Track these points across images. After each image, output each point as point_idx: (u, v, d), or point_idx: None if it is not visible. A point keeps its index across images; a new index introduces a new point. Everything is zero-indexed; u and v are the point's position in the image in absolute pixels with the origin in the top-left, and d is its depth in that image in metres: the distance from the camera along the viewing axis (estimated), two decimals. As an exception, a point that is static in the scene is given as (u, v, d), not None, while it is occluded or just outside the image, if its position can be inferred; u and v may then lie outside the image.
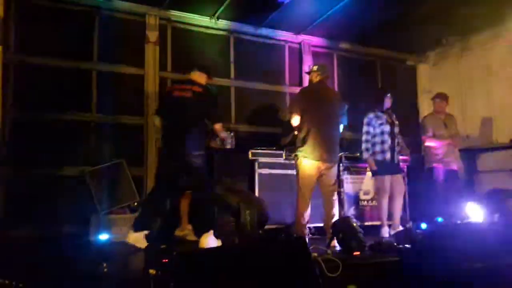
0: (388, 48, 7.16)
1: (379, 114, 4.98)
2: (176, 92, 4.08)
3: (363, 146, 4.98)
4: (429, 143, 5.28)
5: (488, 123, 6.25)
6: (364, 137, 4.98)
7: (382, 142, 4.89)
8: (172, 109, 4.04)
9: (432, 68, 7.35)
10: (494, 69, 6.23)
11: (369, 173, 5.27)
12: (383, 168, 4.86)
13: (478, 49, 6.42)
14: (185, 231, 4.44)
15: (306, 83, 6.52)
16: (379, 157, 4.88)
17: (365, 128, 5.00)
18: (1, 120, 3.65)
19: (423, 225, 4.30)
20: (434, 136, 5.30)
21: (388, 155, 4.86)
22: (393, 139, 4.91)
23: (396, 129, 4.96)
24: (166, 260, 3.01)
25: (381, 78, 7.32)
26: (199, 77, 4.24)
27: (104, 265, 2.73)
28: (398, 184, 4.93)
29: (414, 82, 7.55)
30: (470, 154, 5.91)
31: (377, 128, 4.92)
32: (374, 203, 5.54)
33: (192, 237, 4.35)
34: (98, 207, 4.51)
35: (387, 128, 4.90)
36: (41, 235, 4.34)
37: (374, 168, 4.90)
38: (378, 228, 5.03)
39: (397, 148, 4.95)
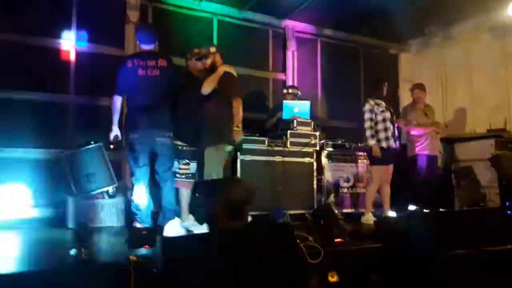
0: (371, 36, 7.17)
1: (378, 101, 4.98)
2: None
3: (368, 132, 4.88)
4: (414, 131, 5.32)
5: (467, 113, 6.36)
6: (368, 124, 4.89)
7: (385, 129, 4.87)
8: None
9: (414, 57, 7.40)
10: (474, 59, 6.31)
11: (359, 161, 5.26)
12: (385, 157, 4.85)
13: (460, 39, 6.48)
14: (187, 221, 4.16)
15: (289, 69, 6.52)
16: (383, 144, 4.85)
17: (367, 115, 4.91)
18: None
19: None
20: (417, 125, 5.35)
21: (391, 142, 4.88)
22: (393, 126, 4.93)
23: (394, 117, 4.99)
24: (147, 246, 2.98)
25: (363, 66, 7.33)
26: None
27: (82, 250, 2.66)
28: (389, 173, 4.98)
29: (395, 70, 7.60)
30: (448, 142, 6.00)
31: (379, 115, 4.89)
32: (355, 190, 5.60)
33: (195, 228, 4.07)
34: (75, 191, 4.39)
35: (388, 115, 4.92)
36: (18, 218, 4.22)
37: (379, 156, 4.84)
38: (359, 215, 5.09)
39: (396, 136, 4.98)
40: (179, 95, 4.07)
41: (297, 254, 2.08)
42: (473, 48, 6.34)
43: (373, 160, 4.99)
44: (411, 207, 4.97)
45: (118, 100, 3.83)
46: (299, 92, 5.73)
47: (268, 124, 5.64)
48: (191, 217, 4.24)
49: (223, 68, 4.02)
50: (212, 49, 4.14)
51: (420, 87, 5.47)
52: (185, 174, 4.16)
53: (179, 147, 4.14)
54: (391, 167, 5.00)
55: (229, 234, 2.26)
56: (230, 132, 3.91)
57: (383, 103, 4.99)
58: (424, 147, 5.27)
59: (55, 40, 5.00)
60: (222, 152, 3.97)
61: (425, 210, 4.40)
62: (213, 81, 3.92)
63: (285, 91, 5.81)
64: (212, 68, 4.08)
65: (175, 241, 2.33)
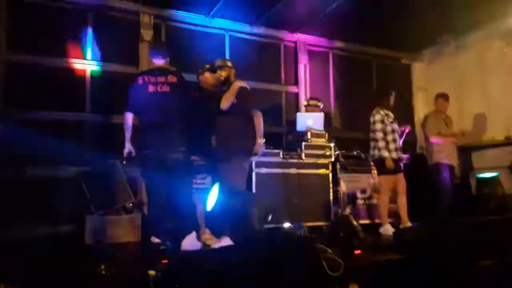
0: (383, 46, 7.16)
1: (387, 111, 4.99)
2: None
3: (382, 144, 4.85)
4: (436, 140, 5.26)
5: (483, 120, 6.26)
6: (379, 135, 4.87)
7: (394, 141, 4.90)
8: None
9: (427, 66, 7.36)
10: (489, 66, 6.25)
11: (373, 172, 5.24)
12: (394, 167, 4.86)
13: (473, 47, 6.43)
14: (204, 235, 4.17)
15: (301, 82, 6.54)
16: (394, 155, 4.86)
17: (379, 125, 4.90)
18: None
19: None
20: (439, 134, 5.30)
21: (400, 153, 4.92)
22: (398, 137, 4.97)
23: (400, 128, 5.03)
24: (166, 261, 2.97)
25: (376, 77, 7.32)
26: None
27: (103, 266, 2.66)
28: (401, 182, 4.94)
29: (409, 80, 7.56)
30: (465, 151, 5.91)
31: (388, 126, 4.90)
32: (371, 201, 5.53)
33: (212, 241, 4.07)
34: (92, 208, 4.43)
35: (396, 126, 4.94)
36: (35, 236, 4.25)
37: (392, 167, 4.82)
38: (377, 227, 5.02)
39: (400, 145, 5.02)
40: (194, 110, 4.09)
41: (318, 269, 2.03)
42: (487, 55, 6.28)
43: (381, 170, 4.95)
44: (432, 217, 4.87)
45: (129, 117, 3.86)
46: (320, 104, 5.73)
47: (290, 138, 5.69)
48: (207, 230, 4.24)
49: (238, 83, 4.05)
50: (229, 63, 4.20)
51: (444, 97, 5.44)
52: (201, 189, 4.16)
53: (195, 163, 4.16)
54: (400, 176, 4.94)
55: (250, 248, 2.23)
56: (253, 145, 3.93)
57: (391, 114, 4.98)
58: (445, 156, 5.21)
59: (71, 60, 5.10)
60: (247, 165, 4.01)
61: (449, 220, 4.32)
62: (231, 96, 3.95)
63: (305, 103, 5.83)
64: (226, 82, 4.11)
65: (196, 255, 2.31)
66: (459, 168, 5.74)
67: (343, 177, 5.41)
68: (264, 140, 3.99)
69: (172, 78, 3.86)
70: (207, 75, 4.38)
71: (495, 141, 5.89)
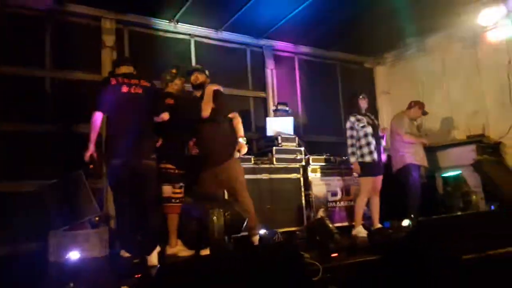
0: (347, 51, 7.29)
1: (359, 117, 5.04)
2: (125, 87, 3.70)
3: (349, 150, 5.01)
4: (409, 139, 5.35)
5: (446, 120, 6.48)
6: (349, 142, 5.02)
7: (368, 144, 4.93)
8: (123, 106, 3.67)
9: (389, 70, 7.55)
10: (449, 68, 6.49)
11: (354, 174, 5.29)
12: (372, 170, 4.91)
13: (434, 49, 6.66)
14: (177, 247, 4.05)
15: (269, 87, 6.53)
16: (368, 158, 4.91)
17: (348, 133, 5.04)
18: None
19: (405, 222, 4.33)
20: (413, 135, 5.45)
21: (375, 156, 4.92)
22: (376, 140, 4.97)
23: (378, 130, 5.02)
24: (139, 275, 2.83)
25: (341, 81, 7.42)
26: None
27: (72, 284, 2.50)
28: (378, 184, 5.00)
29: (372, 84, 7.72)
30: (430, 151, 6.06)
31: (360, 131, 4.98)
32: (343, 204, 5.57)
33: (185, 253, 3.99)
34: (57, 223, 4.19)
35: (369, 129, 4.97)
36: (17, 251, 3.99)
37: (358, 172, 4.97)
38: (349, 229, 5.04)
39: (381, 149, 5.02)
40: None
41: (303, 273, 1.98)
42: (447, 57, 6.52)
43: (361, 173, 4.99)
44: (405, 217, 4.94)
45: (99, 117, 3.60)
46: (288, 109, 5.75)
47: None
48: (179, 242, 4.10)
49: (212, 87, 4.00)
50: (200, 67, 4.24)
51: (420, 105, 5.57)
52: (179, 198, 4.03)
53: (171, 171, 4.02)
54: (379, 179, 5.01)
55: (230, 256, 2.15)
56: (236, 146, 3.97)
57: (365, 118, 5.03)
58: (415, 157, 5.32)
59: (30, 68, 4.84)
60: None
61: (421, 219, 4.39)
62: (210, 101, 3.95)
63: (273, 108, 5.81)
64: (200, 86, 4.08)
65: (173, 267, 2.20)
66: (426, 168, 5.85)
67: (314, 181, 5.41)
68: (245, 139, 4.01)
69: (144, 82, 3.77)
70: (177, 81, 4.27)
71: (457, 141, 6.09)
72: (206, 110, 3.95)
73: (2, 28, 4.65)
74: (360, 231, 4.83)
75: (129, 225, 3.66)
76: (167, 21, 5.71)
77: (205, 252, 3.73)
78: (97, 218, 4.45)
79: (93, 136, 3.59)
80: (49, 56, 4.97)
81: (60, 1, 4.97)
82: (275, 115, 5.65)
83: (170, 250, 4.00)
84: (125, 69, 3.82)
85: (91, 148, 3.59)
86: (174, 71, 4.31)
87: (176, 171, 4.03)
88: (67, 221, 4.19)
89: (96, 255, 4.14)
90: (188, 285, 2.05)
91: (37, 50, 4.91)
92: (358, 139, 4.99)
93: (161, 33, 5.79)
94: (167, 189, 4.00)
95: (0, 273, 3.42)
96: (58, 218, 4.15)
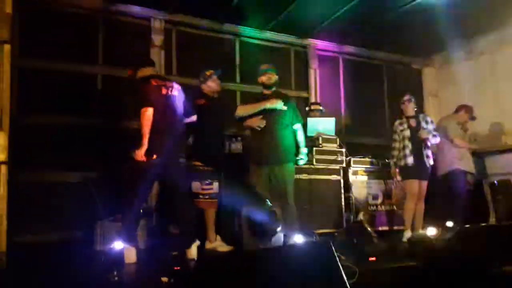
0: (394, 51, 7.13)
1: (403, 120, 5.00)
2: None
3: (392, 152, 5.06)
4: (459, 143, 5.21)
5: (497, 125, 6.19)
6: (392, 145, 5.07)
7: (404, 148, 4.89)
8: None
9: (438, 71, 7.31)
10: (500, 71, 6.19)
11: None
12: (409, 173, 4.85)
13: (484, 52, 6.39)
14: (216, 242, 4.14)
15: (312, 87, 6.51)
16: (401, 162, 4.90)
17: (393, 136, 5.09)
18: (8, 123, 3.56)
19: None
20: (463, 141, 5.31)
21: (409, 160, 4.82)
22: (414, 144, 4.84)
23: (424, 133, 4.85)
24: (178, 268, 2.94)
25: (387, 82, 7.27)
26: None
27: (115, 273, 2.64)
28: (422, 189, 4.88)
29: (420, 85, 7.50)
30: (478, 157, 5.82)
31: (400, 135, 4.97)
32: (384, 207, 5.47)
33: (224, 248, 4.09)
34: (103, 213, 4.41)
35: (407, 133, 4.88)
36: (47, 241, 4.24)
37: (394, 175, 5.01)
38: (390, 233, 4.95)
39: (425, 153, 4.86)
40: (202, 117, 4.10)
41: (339, 274, 1.99)
42: (497, 60, 6.24)
43: (404, 176, 4.93)
44: (449, 224, 4.79)
45: (152, 113, 3.56)
46: (322, 109, 5.72)
47: None
48: (218, 237, 4.20)
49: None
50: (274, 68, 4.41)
51: (469, 110, 5.41)
52: (209, 194, 4.14)
53: (200, 168, 4.13)
54: (424, 184, 4.87)
55: (267, 254, 2.20)
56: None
57: (406, 122, 4.92)
58: (462, 162, 5.15)
59: (82, 65, 5.11)
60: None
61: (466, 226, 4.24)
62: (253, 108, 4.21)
63: (307, 108, 5.80)
64: (271, 87, 4.32)
65: (210, 261, 2.28)
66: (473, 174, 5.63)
67: (355, 183, 5.35)
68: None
69: (176, 85, 3.89)
70: (210, 83, 4.35)
71: (508, 146, 5.81)
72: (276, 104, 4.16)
73: (58, 26, 4.94)
74: (407, 235, 4.73)
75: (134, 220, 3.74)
76: (214, 22, 5.83)
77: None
78: (141, 211, 4.65)
79: (148, 131, 3.55)
80: (101, 54, 5.23)
81: (112, 1, 5.20)
82: (309, 115, 5.61)
83: (208, 245, 4.11)
84: (151, 70, 3.91)
85: (146, 143, 3.54)
86: (208, 73, 4.37)
87: (205, 168, 4.12)
88: (112, 212, 4.42)
89: (142, 245, 4.35)
90: (224, 279, 2.12)
91: (90, 48, 5.18)
92: (399, 142, 4.96)
93: (207, 33, 5.92)
94: (195, 185, 4.10)
95: (49, 258, 3.64)
96: (104, 208, 4.38)
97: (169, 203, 3.82)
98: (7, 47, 3.47)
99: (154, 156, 3.53)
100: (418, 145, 4.84)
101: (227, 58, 6.02)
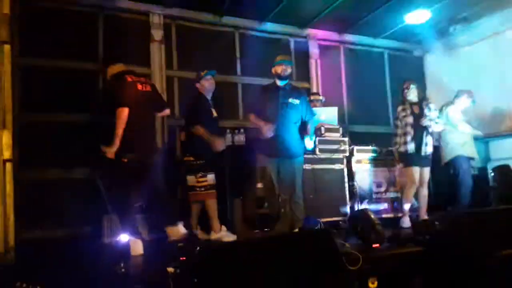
0: (395, 39, 7.08)
1: (406, 106, 4.96)
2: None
3: (393, 140, 5.08)
4: (463, 128, 5.20)
5: (499, 109, 6.15)
6: (394, 131, 5.08)
7: (405, 134, 4.88)
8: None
9: (440, 58, 7.25)
10: (503, 54, 6.13)
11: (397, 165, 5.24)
12: (408, 160, 4.85)
13: (487, 35, 6.32)
14: (221, 232, 4.22)
15: (313, 77, 6.49)
16: (402, 148, 4.90)
17: (395, 122, 5.13)
18: (12, 121, 3.60)
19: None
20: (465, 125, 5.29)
21: (410, 147, 4.81)
22: (416, 131, 4.83)
23: (425, 121, 4.84)
24: (184, 258, 2.97)
25: (388, 70, 7.25)
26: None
27: (122, 264, 2.68)
28: (424, 175, 4.90)
29: (422, 72, 7.46)
30: (482, 141, 5.81)
31: (402, 121, 4.95)
32: (388, 195, 5.48)
33: (228, 238, 4.17)
34: (109, 207, 4.46)
35: (410, 119, 4.87)
36: (54, 236, 4.30)
37: (398, 162, 5.07)
38: (394, 221, 4.97)
39: (426, 140, 4.85)
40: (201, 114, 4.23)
41: (338, 260, 2.02)
42: (500, 43, 6.17)
43: (404, 163, 4.95)
44: (452, 209, 4.81)
45: (127, 113, 3.61)
46: (322, 98, 5.72)
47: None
48: (223, 227, 4.25)
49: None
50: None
51: (470, 94, 5.39)
52: (204, 186, 4.21)
53: (193, 162, 4.24)
54: (425, 170, 4.88)
55: (268, 241, 2.23)
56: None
57: (409, 108, 4.90)
58: (465, 148, 5.14)
59: (82, 62, 5.13)
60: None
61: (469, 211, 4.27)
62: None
63: (307, 98, 5.79)
64: (286, 78, 4.28)
65: (215, 250, 2.31)
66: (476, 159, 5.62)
67: (358, 172, 5.36)
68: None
69: (148, 80, 4.04)
70: (203, 81, 4.40)
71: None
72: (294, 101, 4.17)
73: (57, 25, 4.96)
74: (405, 222, 4.76)
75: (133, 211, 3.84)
76: (213, 15, 5.82)
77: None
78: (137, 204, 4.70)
79: (121, 132, 3.60)
80: (102, 51, 5.24)
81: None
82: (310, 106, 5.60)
83: (214, 236, 4.18)
84: (122, 66, 4.00)
85: (118, 143, 3.60)
86: (202, 73, 4.46)
87: (198, 162, 4.22)
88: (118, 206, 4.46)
89: (145, 238, 4.40)
90: (229, 268, 2.15)
91: (90, 45, 5.19)
92: (401, 128, 4.95)
93: (206, 27, 5.92)
94: (191, 179, 4.24)
95: (57, 253, 3.70)
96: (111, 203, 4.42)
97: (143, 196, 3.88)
98: (7, 47, 3.50)
99: (125, 159, 3.62)
100: (420, 132, 4.83)
101: (227, 51, 6.02)
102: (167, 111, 4.20)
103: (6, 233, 3.54)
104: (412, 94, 4.98)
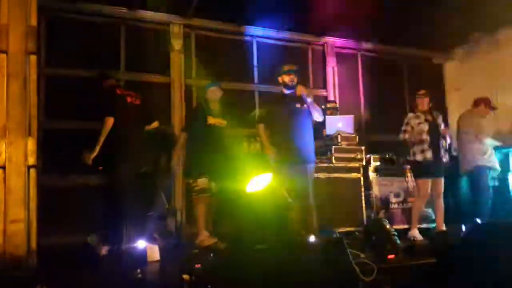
0: (413, 46, 7.05)
1: (418, 113, 4.87)
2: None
3: (400, 136, 4.93)
4: (484, 138, 5.11)
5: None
6: (403, 139, 4.91)
7: (421, 142, 4.75)
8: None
9: (460, 65, 7.16)
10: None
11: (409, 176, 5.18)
12: (421, 170, 4.76)
13: (507, 44, 6.21)
14: (201, 236, 4.29)
15: (330, 85, 6.51)
16: (419, 157, 4.75)
17: (403, 127, 4.92)
18: (36, 129, 3.73)
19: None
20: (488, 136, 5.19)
21: (429, 155, 4.70)
22: (436, 139, 4.75)
23: (440, 129, 4.80)
24: (199, 265, 3.03)
25: (407, 77, 7.19)
26: None
27: (138, 271, 2.74)
28: (439, 186, 4.79)
29: (441, 80, 7.39)
30: (502, 151, 5.70)
31: (416, 128, 4.80)
32: (405, 205, 5.42)
33: (208, 241, 4.24)
34: (128, 214, 4.54)
35: (425, 127, 4.77)
36: (73, 242, 4.41)
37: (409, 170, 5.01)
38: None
39: (442, 149, 4.77)
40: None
41: (350, 270, 2.04)
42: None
43: (416, 173, 4.87)
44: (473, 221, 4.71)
45: (111, 123, 3.91)
46: (337, 106, 5.73)
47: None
48: (205, 233, 4.31)
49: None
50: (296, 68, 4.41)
51: (488, 102, 5.28)
52: (196, 191, 4.33)
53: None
54: (439, 181, 4.79)
55: (281, 250, 2.26)
56: None
57: (423, 116, 4.83)
58: (486, 158, 5.07)
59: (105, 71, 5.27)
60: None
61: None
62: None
63: (323, 106, 5.81)
64: (294, 87, 4.26)
65: (230, 257, 2.36)
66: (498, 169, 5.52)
67: (375, 181, 5.33)
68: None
69: (138, 95, 4.24)
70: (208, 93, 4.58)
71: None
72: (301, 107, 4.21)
73: (81, 35, 5.13)
74: (415, 235, 4.67)
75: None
76: (231, 24, 5.91)
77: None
78: (164, 211, 4.80)
79: (103, 140, 3.90)
80: (124, 60, 5.38)
81: (132, 8, 5.35)
82: (326, 114, 5.62)
83: (197, 239, 4.29)
84: (113, 81, 4.33)
85: (98, 151, 3.90)
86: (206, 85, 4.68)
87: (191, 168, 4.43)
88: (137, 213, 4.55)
89: (162, 245, 4.48)
90: (240, 275, 2.19)
91: (112, 54, 5.34)
92: (414, 137, 4.81)
93: (225, 36, 6.01)
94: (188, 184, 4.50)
95: (76, 258, 3.79)
96: (129, 210, 4.52)
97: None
98: (33, 58, 3.62)
99: (100, 167, 3.98)
100: (436, 140, 4.76)
101: (245, 59, 6.10)
102: (155, 124, 4.41)
103: (29, 238, 3.65)
104: (425, 102, 4.89)
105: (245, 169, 4.19)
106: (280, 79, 4.35)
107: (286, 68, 4.34)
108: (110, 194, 4.07)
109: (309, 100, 4.19)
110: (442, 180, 4.81)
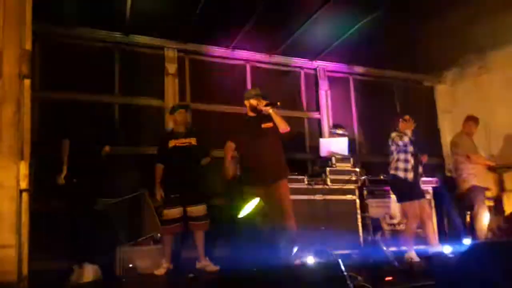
0: (404, 70, 7.17)
1: (401, 134, 4.76)
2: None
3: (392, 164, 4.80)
4: (475, 158, 5.14)
5: (512, 140, 6.11)
6: (394, 158, 4.77)
7: (406, 161, 4.64)
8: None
9: (450, 88, 7.28)
10: (514, 85, 6.14)
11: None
12: (409, 193, 4.63)
13: (498, 66, 6.35)
14: (203, 262, 4.32)
15: (323, 108, 6.57)
16: (401, 174, 4.62)
17: (391, 148, 4.83)
18: (29, 153, 3.70)
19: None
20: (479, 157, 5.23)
21: (410, 176, 4.61)
22: (415, 161, 4.68)
23: (420, 157, 4.75)
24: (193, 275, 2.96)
25: (398, 100, 7.28)
26: None
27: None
28: (426, 208, 4.75)
29: (432, 102, 7.49)
30: (496, 172, 5.75)
31: (401, 145, 4.68)
32: (402, 227, 5.40)
33: (211, 268, 4.25)
34: (122, 239, 4.48)
35: (411, 148, 4.67)
36: (68, 267, 4.31)
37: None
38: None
39: (420, 171, 4.73)
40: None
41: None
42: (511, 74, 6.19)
43: (400, 198, 4.76)
44: (467, 241, 4.70)
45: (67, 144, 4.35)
46: (345, 132, 5.78)
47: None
48: (206, 258, 4.33)
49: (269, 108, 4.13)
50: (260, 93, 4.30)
51: (476, 120, 5.35)
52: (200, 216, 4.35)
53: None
54: (423, 202, 4.74)
55: (277, 273, 2.23)
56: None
57: (405, 136, 4.73)
58: (479, 179, 5.08)
59: (99, 95, 5.29)
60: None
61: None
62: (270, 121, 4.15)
63: (332, 130, 5.85)
64: (257, 110, 4.20)
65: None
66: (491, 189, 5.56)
67: (371, 203, 5.32)
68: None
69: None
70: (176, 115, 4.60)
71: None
72: (266, 126, 4.09)
73: (75, 59, 5.16)
74: (412, 256, 4.62)
75: None
76: (224, 48, 5.99)
77: None
78: (159, 235, 4.72)
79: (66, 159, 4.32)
80: (118, 84, 5.41)
81: (126, 33, 5.42)
82: (331, 137, 5.67)
83: (198, 265, 4.30)
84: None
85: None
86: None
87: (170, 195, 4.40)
88: (132, 237, 4.50)
89: (156, 269, 4.39)
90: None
91: (107, 78, 5.37)
92: (398, 153, 4.70)
93: (219, 60, 6.08)
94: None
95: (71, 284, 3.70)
96: (124, 234, 4.46)
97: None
98: (27, 81, 3.61)
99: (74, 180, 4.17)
100: (416, 164, 4.68)
101: (239, 83, 6.15)
102: None
103: (20, 262, 3.57)
104: (410, 127, 4.77)
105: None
106: (246, 102, 4.26)
107: (253, 92, 4.28)
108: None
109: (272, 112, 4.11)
110: (426, 202, 4.81)
